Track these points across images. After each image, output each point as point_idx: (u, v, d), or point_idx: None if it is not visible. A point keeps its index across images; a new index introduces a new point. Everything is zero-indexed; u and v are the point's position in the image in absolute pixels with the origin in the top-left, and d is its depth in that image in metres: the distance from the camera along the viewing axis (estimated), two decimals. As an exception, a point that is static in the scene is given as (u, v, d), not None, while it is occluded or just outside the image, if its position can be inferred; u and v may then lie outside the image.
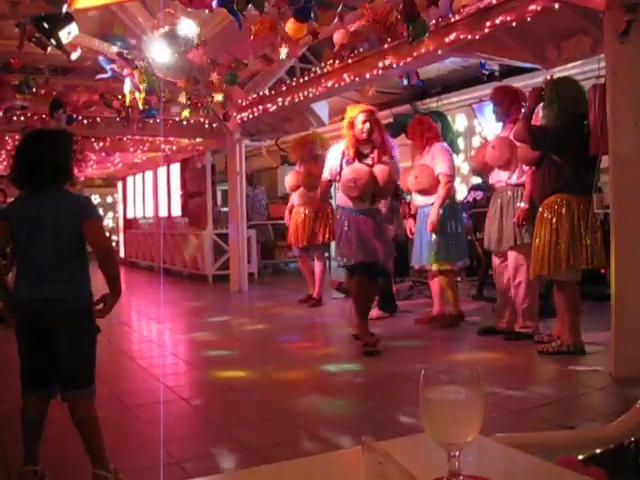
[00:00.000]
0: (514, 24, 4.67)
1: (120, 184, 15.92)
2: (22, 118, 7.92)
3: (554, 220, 4.34)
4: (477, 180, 8.18)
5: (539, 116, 4.64)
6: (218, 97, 7.49)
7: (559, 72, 5.12)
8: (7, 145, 9.65)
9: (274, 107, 7.82)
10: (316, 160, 7.21)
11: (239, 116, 8.60)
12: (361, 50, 6.17)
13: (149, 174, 13.47)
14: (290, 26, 5.29)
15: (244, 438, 3.15)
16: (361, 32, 5.99)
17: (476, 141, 9.05)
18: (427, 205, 5.67)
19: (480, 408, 0.85)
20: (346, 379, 4.34)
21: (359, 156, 4.79)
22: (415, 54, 5.47)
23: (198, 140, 10.39)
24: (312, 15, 4.85)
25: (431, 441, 0.86)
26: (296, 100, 7.41)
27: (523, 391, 3.84)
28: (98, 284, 2.69)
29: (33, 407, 2.55)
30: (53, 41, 4.65)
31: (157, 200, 12.92)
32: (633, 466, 1.29)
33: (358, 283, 4.88)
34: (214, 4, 4.57)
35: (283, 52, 6.01)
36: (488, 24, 4.79)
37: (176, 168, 12.03)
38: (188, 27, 5.81)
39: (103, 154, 11.61)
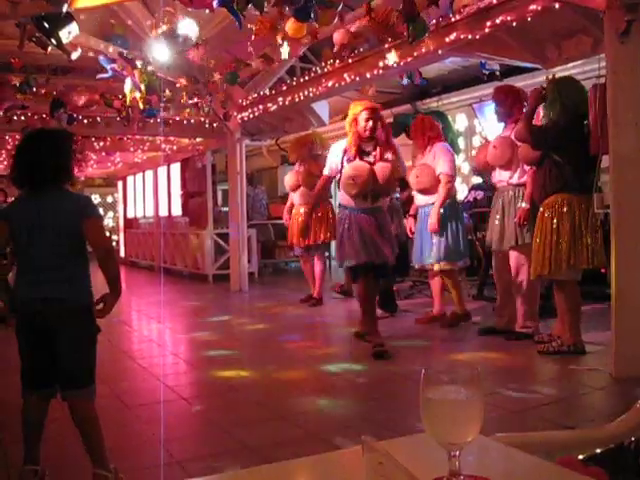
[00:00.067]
0: (514, 24, 4.67)
1: (120, 184, 15.92)
2: (22, 118, 7.92)
3: (555, 220, 4.34)
4: (477, 180, 8.18)
5: (540, 116, 4.64)
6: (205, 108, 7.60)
7: (560, 72, 5.12)
8: (7, 145, 9.65)
9: (274, 107, 7.82)
10: (316, 160, 7.21)
11: (239, 116, 8.60)
12: (361, 50, 6.17)
13: (149, 174, 13.47)
14: (290, 26, 5.29)
15: (244, 438, 3.15)
16: (361, 33, 5.99)
17: (476, 141, 9.05)
18: (428, 205, 5.67)
19: (480, 408, 0.85)
20: (346, 379, 4.34)
21: (361, 154, 4.74)
22: (415, 54, 5.47)
23: (198, 140, 10.39)
24: (312, 15, 4.84)
25: (431, 441, 0.86)
26: (296, 100, 7.41)
27: (523, 391, 3.83)
28: (98, 284, 2.69)
29: (33, 407, 2.55)
30: (53, 41, 4.65)
31: (157, 200, 12.92)
32: (633, 466, 1.29)
33: (363, 284, 4.83)
34: (215, 4, 4.56)
35: (285, 51, 6.01)
36: (488, 24, 4.79)
37: (176, 168, 12.03)
38: (188, 26, 5.80)
39: (103, 154, 11.62)
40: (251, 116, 8.42)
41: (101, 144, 10.45)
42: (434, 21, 5.13)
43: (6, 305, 2.63)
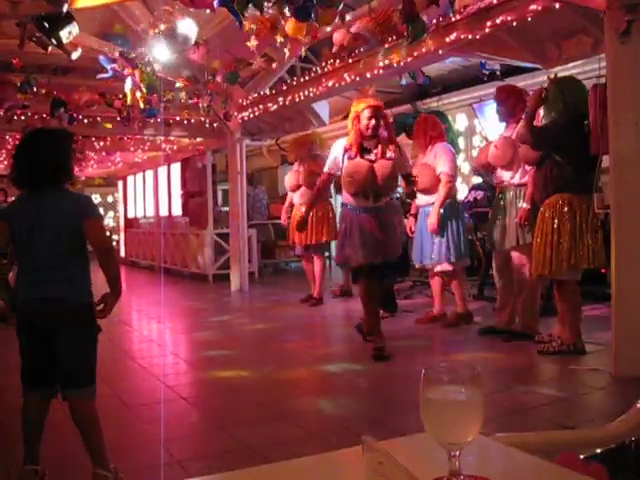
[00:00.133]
0: (515, 24, 4.67)
1: (121, 183, 15.92)
2: (23, 117, 7.92)
3: (556, 219, 4.34)
4: (478, 180, 8.18)
5: (540, 117, 4.63)
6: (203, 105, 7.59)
7: (560, 72, 5.12)
8: (8, 145, 9.65)
9: (275, 106, 7.82)
10: (315, 160, 7.21)
11: (240, 115, 8.60)
12: (362, 50, 6.16)
13: (150, 173, 13.47)
14: (290, 25, 5.29)
15: (244, 438, 3.15)
16: (362, 35, 5.99)
17: (476, 141, 9.05)
18: (428, 204, 5.67)
19: (480, 408, 0.86)
20: (346, 379, 4.34)
21: (362, 152, 4.69)
22: (416, 54, 5.47)
23: (199, 140, 10.39)
24: (312, 15, 4.84)
25: (431, 441, 0.86)
26: (297, 100, 7.41)
27: (523, 391, 3.84)
28: (98, 283, 2.69)
29: (34, 407, 2.55)
30: (54, 40, 4.65)
31: (158, 199, 12.92)
32: (634, 465, 1.29)
33: (365, 285, 4.80)
34: (215, 4, 4.57)
35: (286, 51, 6.01)
36: (489, 24, 4.79)
37: (177, 167, 12.03)
38: (187, 26, 5.80)
39: (104, 153, 11.62)
40: (251, 116, 8.42)
41: (101, 144, 10.45)
42: (434, 21, 5.13)
43: (7, 304, 2.63)
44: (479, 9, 4.82)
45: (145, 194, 13.86)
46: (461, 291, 5.78)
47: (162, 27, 5.78)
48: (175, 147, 11.55)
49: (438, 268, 5.72)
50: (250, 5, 4.58)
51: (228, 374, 4.48)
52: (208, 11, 5.10)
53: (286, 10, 4.89)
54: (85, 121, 8.26)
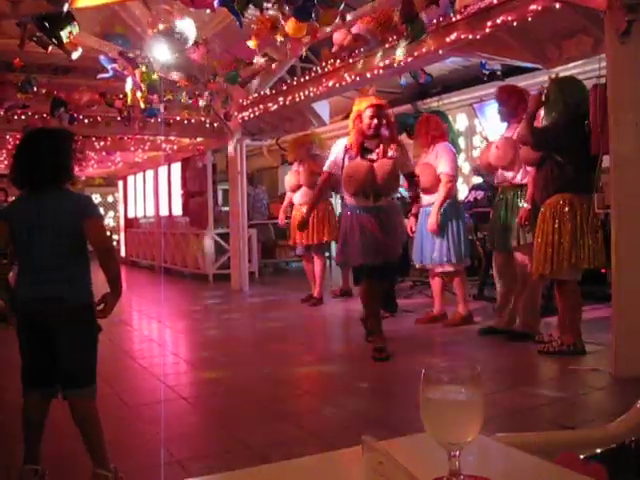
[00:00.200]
0: (515, 24, 4.66)
1: (121, 183, 15.91)
2: (23, 117, 7.93)
3: (556, 219, 4.34)
4: (478, 180, 8.18)
5: (540, 118, 4.63)
6: (202, 103, 7.58)
7: (560, 72, 5.12)
8: (8, 144, 9.66)
9: (275, 106, 7.82)
10: (315, 160, 7.21)
11: (240, 115, 8.60)
12: (362, 50, 6.16)
13: (150, 173, 13.46)
14: (290, 25, 5.28)
15: (244, 437, 3.15)
16: (362, 36, 5.98)
17: (477, 141, 9.05)
18: (429, 204, 5.66)
19: (480, 408, 0.86)
20: (346, 379, 4.34)
21: (364, 151, 4.66)
22: (416, 54, 5.47)
23: (199, 139, 10.39)
24: (313, 14, 4.83)
25: (431, 441, 0.86)
26: (297, 99, 7.41)
27: (523, 391, 3.83)
28: (99, 283, 2.69)
29: (34, 406, 2.55)
30: (54, 40, 4.65)
31: (158, 199, 12.92)
32: (634, 465, 1.29)
33: (365, 285, 4.80)
34: (215, 3, 4.56)
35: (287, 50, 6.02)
36: (489, 24, 4.78)
37: (177, 167, 12.03)
38: (187, 26, 5.80)
39: (104, 153, 11.61)
40: (252, 116, 8.42)
41: (102, 144, 10.46)
42: (435, 21, 5.13)
43: (7, 304, 2.63)
44: (479, 9, 4.82)
45: (145, 194, 13.86)
46: (462, 291, 5.78)
47: (161, 27, 5.78)
48: (175, 147, 11.55)
49: (439, 269, 5.72)
50: (250, 5, 4.58)
51: (228, 374, 4.48)
52: (208, 11, 5.10)
53: (286, 10, 4.88)
54: (85, 121, 8.27)
